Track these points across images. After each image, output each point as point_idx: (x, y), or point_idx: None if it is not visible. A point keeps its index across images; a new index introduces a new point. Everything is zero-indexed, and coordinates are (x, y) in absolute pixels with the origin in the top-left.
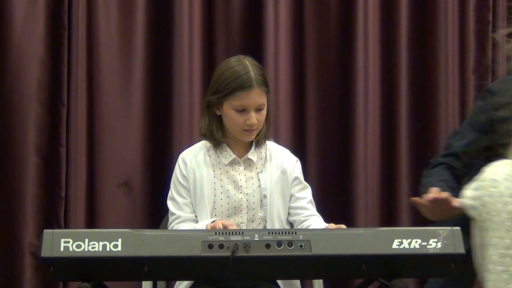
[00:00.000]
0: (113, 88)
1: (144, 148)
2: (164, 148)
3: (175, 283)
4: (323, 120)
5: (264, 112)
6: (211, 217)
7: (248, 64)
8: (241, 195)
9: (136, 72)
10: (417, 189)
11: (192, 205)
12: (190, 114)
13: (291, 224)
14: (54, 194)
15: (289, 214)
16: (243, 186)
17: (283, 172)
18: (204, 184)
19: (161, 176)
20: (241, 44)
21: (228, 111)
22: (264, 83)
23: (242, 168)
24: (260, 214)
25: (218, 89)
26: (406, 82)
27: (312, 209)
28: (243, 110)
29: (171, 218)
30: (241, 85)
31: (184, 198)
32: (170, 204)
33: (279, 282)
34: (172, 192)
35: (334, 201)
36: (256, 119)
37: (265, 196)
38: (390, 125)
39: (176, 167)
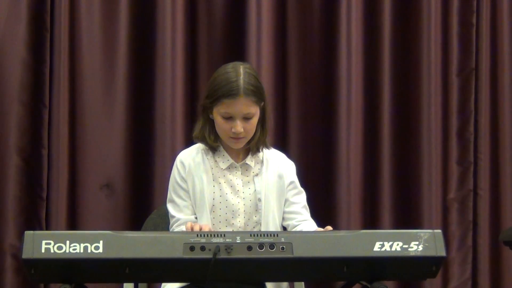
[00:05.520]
0: (95, 90)
1: (126, 150)
2: (146, 150)
3: (156, 285)
4: (305, 122)
5: (253, 121)
6: (212, 221)
7: (240, 72)
8: (238, 200)
9: (118, 74)
10: (399, 191)
11: (192, 207)
12: (173, 116)
13: (284, 228)
14: (36, 195)
15: (283, 218)
16: (240, 190)
17: (280, 177)
18: (205, 187)
19: (143, 178)
20: (223, 46)
21: (216, 117)
22: (254, 93)
23: (239, 172)
24: (255, 218)
25: (209, 94)
26: (389, 85)
27: (306, 214)
28: (229, 118)
29: (171, 221)
30: (227, 93)
31: (184, 200)
32: (169, 206)
33: (268, 284)
34: (171, 195)
35: (316, 203)
36: (243, 127)
37: (259, 200)
38: (373, 127)
39: (174, 169)
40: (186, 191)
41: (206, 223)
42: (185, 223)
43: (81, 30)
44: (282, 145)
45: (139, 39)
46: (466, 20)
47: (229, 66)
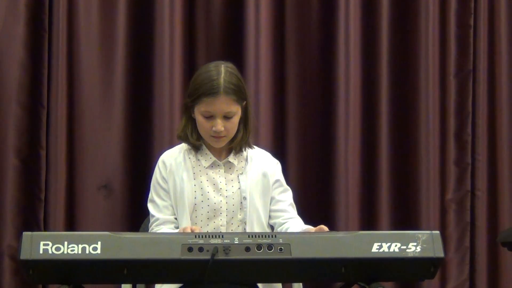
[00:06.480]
0: (93, 91)
1: (124, 151)
2: (144, 151)
3: (152, 286)
4: (303, 123)
5: (234, 120)
6: (191, 220)
7: (222, 71)
8: (221, 198)
9: (116, 75)
10: (397, 193)
11: (172, 207)
12: (171, 116)
13: (272, 227)
14: (34, 196)
15: (269, 217)
16: (223, 188)
17: (264, 175)
18: (185, 187)
19: (141, 179)
20: (222, 47)
21: (198, 116)
22: (234, 92)
23: (222, 170)
24: (240, 217)
25: (190, 93)
26: (386, 86)
27: (292, 212)
28: (210, 117)
29: (151, 220)
30: (207, 91)
31: (164, 200)
32: (150, 206)
33: (260, 285)
34: (152, 194)
35: (314, 204)
36: (223, 126)
37: (244, 198)
38: (371, 128)
39: (156, 169)
40: (167, 192)
41: (186, 223)
42: (163, 222)
43: (79, 30)
44: (280, 146)
45: (137, 40)
46: (463, 21)
47: (211, 65)
